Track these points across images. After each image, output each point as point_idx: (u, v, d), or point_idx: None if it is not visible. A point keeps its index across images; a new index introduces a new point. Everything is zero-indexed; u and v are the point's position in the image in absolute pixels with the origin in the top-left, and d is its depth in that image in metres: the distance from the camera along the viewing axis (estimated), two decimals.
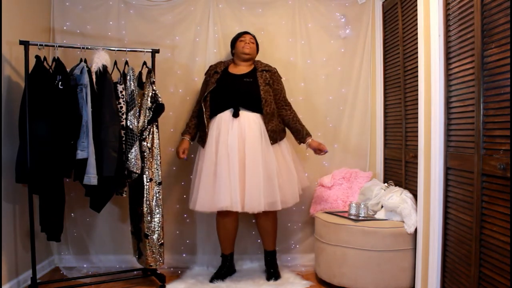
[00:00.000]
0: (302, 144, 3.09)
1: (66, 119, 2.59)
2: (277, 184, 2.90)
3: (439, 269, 2.43)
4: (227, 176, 2.83)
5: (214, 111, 2.98)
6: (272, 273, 3.08)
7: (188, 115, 3.28)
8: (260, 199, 2.82)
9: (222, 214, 2.98)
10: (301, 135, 3.05)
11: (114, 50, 2.85)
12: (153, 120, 2.82)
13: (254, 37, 3.17)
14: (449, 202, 2.36)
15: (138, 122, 2.76)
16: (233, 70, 3.11)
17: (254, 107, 2.96)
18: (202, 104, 3.00)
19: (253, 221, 3.24)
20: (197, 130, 3.10)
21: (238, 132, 2.88)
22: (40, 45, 2.65)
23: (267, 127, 2.95)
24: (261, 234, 3.15)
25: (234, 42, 3.16)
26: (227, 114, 2.94)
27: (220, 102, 2.97)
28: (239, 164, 2.83)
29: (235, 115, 2.92)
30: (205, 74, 3.18)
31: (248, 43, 3.08)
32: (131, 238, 3.07)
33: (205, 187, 2.87)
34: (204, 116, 2.98)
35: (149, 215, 2.81)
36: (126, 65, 2.84)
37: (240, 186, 2.82)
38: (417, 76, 2.69)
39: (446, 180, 2.38)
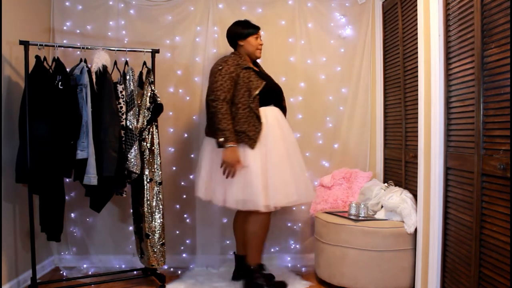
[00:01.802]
0: None
1: (66, 119, 2.59)
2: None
3: (439, 269, 2.43)
4: (288, 171, 2.77)
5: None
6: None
7: (194, 115, 3.26)
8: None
9: (268, 212, 2.80)
10: None
11: (114, 50, 2.85)
12: (152, 120, 2.82)
13: None
14: (449, 202, 2.36)
15: (137, 122, 2.76)
16: (251, 65, 2.90)
17: (282, 102, 2.98)
18: (252, 103, 2.73)
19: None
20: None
21: (285, 127, 2.87)
22: (40, 45, 2.65)
23: None
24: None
25: (247, 34, 2.87)
26: (272, 110, 2.84)
27: (265, 99, 2.81)
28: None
29: (283, 110, 2.93)
30: (229, 69, 2.72)
31: (261, 44, 2.93)
32: (134, 237, 3.07)
33: (258, 186, 2.67)
34: (255, 114, 2.72)
35: (150, 215, 2.81)
36: (126, 65, 2.84)
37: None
38: (417, 76, 2.69)
39: (446, 180, 2.38)
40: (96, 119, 2.61)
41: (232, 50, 2.95)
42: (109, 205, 3.12)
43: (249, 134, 2.70)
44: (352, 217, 2.90)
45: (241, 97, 2.72)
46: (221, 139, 2.63)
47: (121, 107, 2.71)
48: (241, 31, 2.88)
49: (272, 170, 2.71)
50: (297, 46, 3.46)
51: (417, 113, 2.69)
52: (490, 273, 1.92)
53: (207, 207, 3.27)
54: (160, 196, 2.85)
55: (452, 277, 2.29)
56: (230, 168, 2.65)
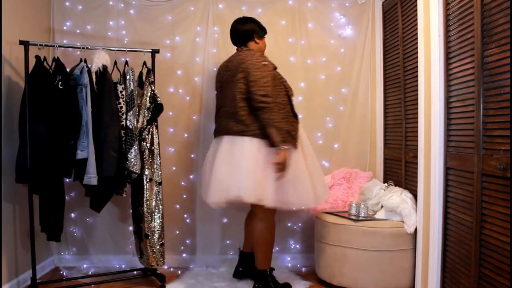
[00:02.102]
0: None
1: (66, 119, 2.59)
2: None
3: (439, 269, 2.43)
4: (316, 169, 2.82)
5: None
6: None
7: (189, 114, 3.25)
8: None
9: (273, 215, 2.81)
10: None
11: (114, 50, 2.85)
12: (152, 120, 2.82)
13: None
14: (449, 202, 2.36)
15: (137, 122, 2.76)
16: None
17: None
18: (291, 102, 2.76)
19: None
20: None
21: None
22: (40, 45, 2.65)
23: None
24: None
25: (263, 35, 2.88)
26: None
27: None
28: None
29: None
30: (269, 67, 2.66)
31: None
32: (134, 237, 3.07)
33: (308, 183, 2.69)
34: (293, 113, 2.75)
35: (149, 215, 2.81)
36: (126, 65, 2.84)
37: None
38: (417, 76, 2.69)
39: (446, 180, 2.38)
40: (96, 119, 2.61)
41: (234, 47, 2.89)
42: (109, 205, 3.12)
43: (292, 134, 2.66)
44: (352, 217, 2.90)
45: (280, 96, 2.68)
46: (282, 139, 2.53)
47: (121, 107, 2.71)
48: (259, 30, 2.85)
49: (311, 168, 2.74)
50: (297, 46, 3.46)
51: (417, 113, 2.69)
52: (490, 273, 1.92)
53: (207, 207, 3.26)
54: (160, 196, 2.84)
55: (452, 277, 2.29)
56: (284, 170, 2.54)
